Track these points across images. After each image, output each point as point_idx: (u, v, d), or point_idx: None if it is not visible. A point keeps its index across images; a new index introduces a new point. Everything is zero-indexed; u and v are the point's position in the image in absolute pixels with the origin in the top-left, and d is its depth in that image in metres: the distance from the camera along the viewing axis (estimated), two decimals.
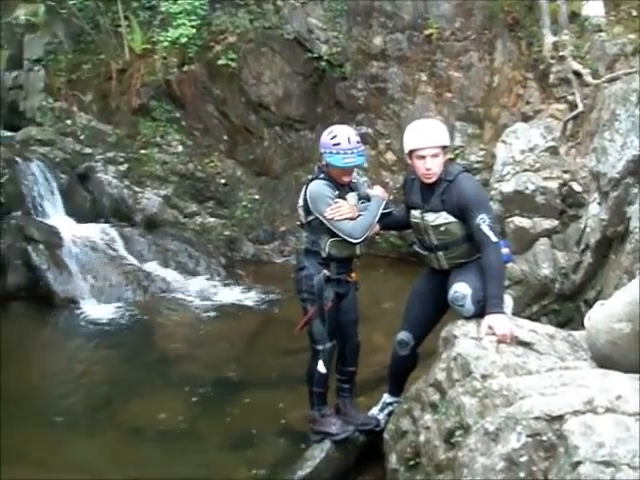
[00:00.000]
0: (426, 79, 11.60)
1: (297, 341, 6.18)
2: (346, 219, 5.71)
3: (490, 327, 5.07)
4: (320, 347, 5.95)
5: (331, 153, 5.72)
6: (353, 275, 6.07)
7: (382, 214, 5.92)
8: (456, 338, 5.17)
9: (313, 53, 11.94)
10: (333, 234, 5.77)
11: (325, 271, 5.86)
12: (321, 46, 11.94)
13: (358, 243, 5.77)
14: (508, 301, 5.46)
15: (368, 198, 5.99)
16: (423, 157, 5.49)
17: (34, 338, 9.36)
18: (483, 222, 5.32)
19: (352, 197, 5.88)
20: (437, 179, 5.51)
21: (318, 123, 12.00)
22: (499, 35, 11.12)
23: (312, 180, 5.93)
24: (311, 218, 5.85)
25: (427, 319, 5.92)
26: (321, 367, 5.96)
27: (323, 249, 5.83)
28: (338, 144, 5.71)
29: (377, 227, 6.01)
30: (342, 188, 5.85)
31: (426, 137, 5.51)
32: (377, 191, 6.08)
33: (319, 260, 5.88)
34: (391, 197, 6.12)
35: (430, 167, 5.49)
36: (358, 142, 5.79)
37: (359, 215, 5.80)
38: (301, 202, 5.95)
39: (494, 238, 5.32)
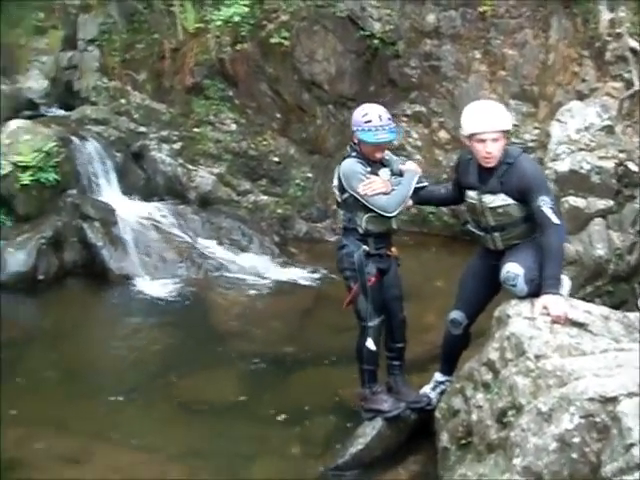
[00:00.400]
0: (480, 57, 11.47)
1: (349, 319, 6.21)
2: (379, 194, 5.78)
3: (545, 307, 5.06)
4: (368, 324, 6.02)
5: (363, 130, 5.80)
6: (393, 250, 6.14)
7: (416, 189, 5.98)
8: (509, 318, 5.16)
9: (366, 31, 11.86)
10: (368, 210, 5.84)
11: (364, 247, 5.93)
12: (374, 24, 11.86)
13: (392, 217, 5.85)
14: (565, 282, 5.43)
15: (401, 174, 6.04)
16: (483, 141, 5.45)
17: (90, 314, 9.54)
18: (544, 204, 5.29)
19: (384, 173, 5.95)
20: (499, 158, 5.49)
21: (371, 101, 11.80)
22: (554, 12, 10.95)
23: (345, 159, 6.00)
24: (346, 196, 5.94)
25: (480, 298, 5.92)
26: (370, 344, 6.02)
27: (360, 225, 5.92)
28: (370, 121, 5.79)
29: (410, 202, 6.07)
30: (374, 165, 5.92)
31: (488, 121, 5.45)
32: (410, 166, 6.16)
33: (357, 237, 5.96)
34: (444, 176, 6.12)
35: (490, 151, 5.45)
36: (389, 119, 5.88)
37: (393, 190, 5.86)
38: (335, 181, 6.04)
39: (556, 220, 5.29)
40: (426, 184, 6.17)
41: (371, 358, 6.10)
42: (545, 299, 5.10)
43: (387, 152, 6.08)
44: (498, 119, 5.47)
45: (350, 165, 5.91)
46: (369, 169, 5.87)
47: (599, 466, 3.87)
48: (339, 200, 6.07)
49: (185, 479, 6.05)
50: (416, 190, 6.00)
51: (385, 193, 5.81)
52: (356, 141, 5.92)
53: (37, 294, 9.88)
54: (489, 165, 5.51)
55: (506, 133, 5.55)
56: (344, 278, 6.12)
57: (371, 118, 5.81)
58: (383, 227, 5.95)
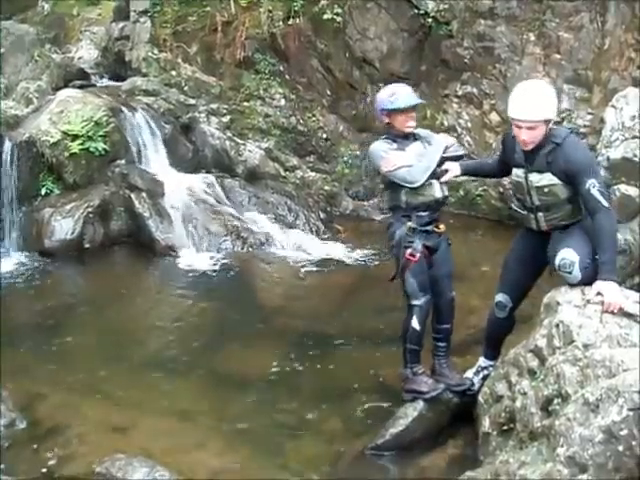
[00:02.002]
0: (534, 39, 11.32)
1: (394, 298, 6.20)
2: (400, 167, 5.92)
3: (599, 293, 4.98)
4: (414, 302, 6.03)
5: (391, 102, 6.03)
6: (441, 226, 6.16)
7: (455, 158, 6.13)
8: (559, 305, 5.11)
9: (419, 10, 11.76)
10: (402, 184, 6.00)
11: (409, 223, 6.00)
12: (428, 2, 11.73)
13: (416, 187, 5.93)
14: None
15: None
16: (519, 127, 5.41)
17: (135, 283, 9.62)
18: (593, 187, 5.20)
19: (414, 146, 6.08)
20: (542, 140, 5.39)
21: (422, 81, 11.86)
22: None
23: None
24: (381, 176, 6.24)
25: (524, 282, 5.88)
26: (415, 323, 6.02)
27: (401, 200, 6.03)
28: (394, 93, 6.07)
29: (457, 171, 6.13)
30: (405, 140, 6.07)
31: (525, 109, 5.36)
32: (439, 136, 6.31)
33: (402, 213, 6.06)
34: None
35: (525, 139, 5.41)
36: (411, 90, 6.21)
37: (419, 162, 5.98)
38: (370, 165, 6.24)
39: (606, 203, 5.21)
40: (461, 153, 6.32)
41: (415, 338, 6.08)
42: (600, 285, 5.04)
43: (423, 130, 6.28)
44: (536, 108, 5.33)
45: (374, 146, 6.18)
46: (395, 145, 6.05)
47: None
48: (381, 182, 6.28)
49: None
50: (456, 159, 6.15)
51: (409, 166, 5.93)
52: (386, 120, 6.13)
53: (83, 262, 10.01)
54: (526, 149, 5.46)
55: (547, 122, 5.40)
56: (393, 255, 6.21)
57: (395, 91, 6.10)
58: (422, 198, 6.00)
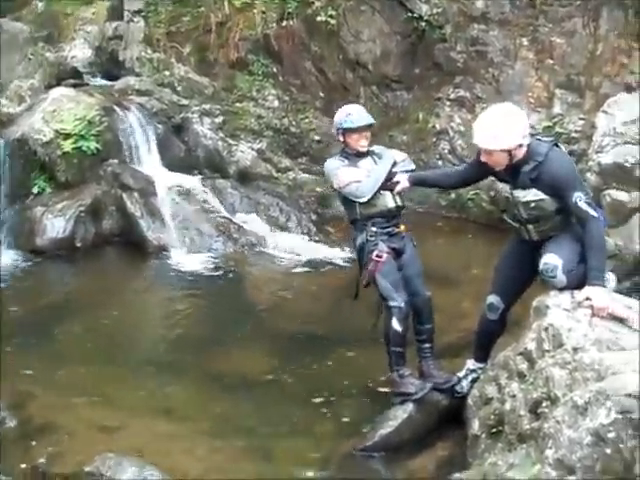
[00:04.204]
0: (527, 44, 11.36)
1: None
2: (351, 183, 6.19)
3: (588, 298, 5.02)
4: (391, 303, 6.12)
5: (346, 121, 6.31)
6: (402, 227, 6.36)
7: (409, 172, 6.35)
8: (548, 309, 5.13)
9: (413, 13, 11.78)
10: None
11: (367, 230, 6.22)
12: (422, 6, 11.77)
13: (367, 201, 6.16)
14: (611, 278, 5.39)
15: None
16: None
17: (126, 283, 9.64)
18: (580, 200, 5.25)
19: (365, 162, 6.38)
20: (523, 157, 5.41)
21: (415, 84, 11.91)
22: (605, 2, 10.81)
23: None
24: (337, 192, 6.49)
25: (516, 285, 5.89)
26: (395, 324, 6.10)
27: (357, 213, 6.29)
28: (350, 114, 6.35)
29: (406, 183, 6.29)
30: (357, 157, 6.35)
31: (480, 136, 5.45)
32: (390, 152, 6.58)
33: (361, 223, 6.29)
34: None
35: (487, 162, 5.53)
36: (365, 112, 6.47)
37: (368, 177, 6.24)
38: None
39: (594, 213, 5.26)
40: (412, 168, 6.50)
41: (397, 339, 6.13)
42: (589, 290, 5.07)
43: (379, 146, 6.60)
44: (490, 138, 5.36)
45: (328, 164, 6.52)
46: (346, 162, 6.33)
47: (633, 463, 3.83)
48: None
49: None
50: (409, 172, 6.37)
51: (358, 181, 6.19)
52: (341, 138, 6.41)
53: (74, 261, 10.01)
54: (496, 169, 5.56)
55: (506, 150, 5.39)
56: (359, 265, 6.41)
57: (351, 111, 6.39)
58: (376, 209, 6.25)
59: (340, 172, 6.28)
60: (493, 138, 5.36)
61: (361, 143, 6.35)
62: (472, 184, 6.57)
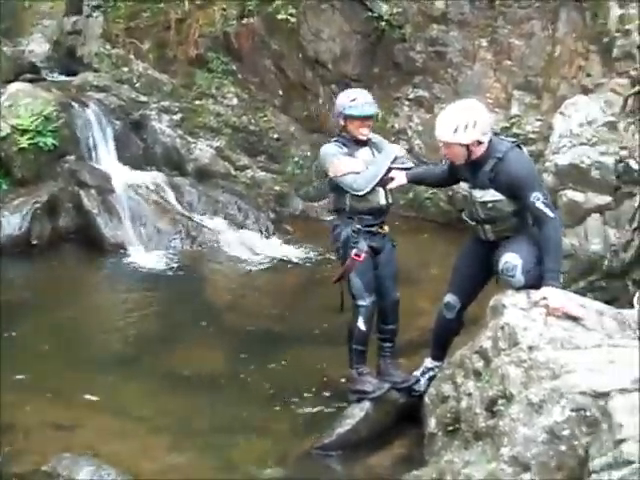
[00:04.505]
0: (486, 45, 11.42)
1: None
2: (349, 173, 6.01)
3: (544, 298, 5.07)
4: (360, 302, 6.11)
5: (350, 107, 6.09)
6: (385, 228, 6.27)
7: (405, 168, 6.21)
8: (505, 308, 5.18)
9: (373, 12, 11.79)
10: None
11: (354, 224, 6.10)
12: (382, 6, 11.78)
13: (362, 195, 6.03)
14: None
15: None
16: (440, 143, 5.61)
17: (83, 281, 9.57)
18: (537, 200, 5.31)
19: (364, 152, 6.19)
20: (482, 155, 5.47)
21: (374, 83, 11.90)
22: (563, 4, 10.89)
23: None
24: (328, 179, 6.26)
25: (473, 284, 5.96)
26: (361, 324, 6.11)
27: (346, 204, 6.13)
28: (355, 99, 6.14)
29: (403, 180, 6.20)
30: (356, 145, 6.16)
31: (440, 128, 5.54)
32: (391, 146, 6.42)
33: (347, 215, 6.16)
34: (444, 162, 6.16)
35: (445, 154, 5.66)
36: (371, 99, 6.26)
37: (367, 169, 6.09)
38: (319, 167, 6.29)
39: (551, 214, 5.33)
40: (410, 165, 6.41)
41: (361, 338, 6.15)
42: (545, 290, 5.13)
43: (376, 135, 6.37)
44: (449, 130, 5.45)
45: (325, 148, 6.25)
46: (346, 150, 6.12)
47: (587, 460, 3.89)
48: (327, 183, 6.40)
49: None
50: (405, 169, 6.21)
51: (356, 172, 6.02)
52: (342, 123, 6.19)
53: (31, 258, 9.89)
54: (456, 163, 5.63)
55: (464, 145, 5.46)
56: (338, 257, 6.33)
57: (356, 96, 6.17)
58: (367, 204, 6.10)
59: (340, 160, 6.07)
60: (451, 131, 5.44)
61: (362, 131, 6.15)
62: (454, 184, 6.48)
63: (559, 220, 5.46)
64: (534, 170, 5.75)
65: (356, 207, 6.09)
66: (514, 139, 5.90)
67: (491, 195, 5.50)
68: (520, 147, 5.64)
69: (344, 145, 6.15)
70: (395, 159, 6.16)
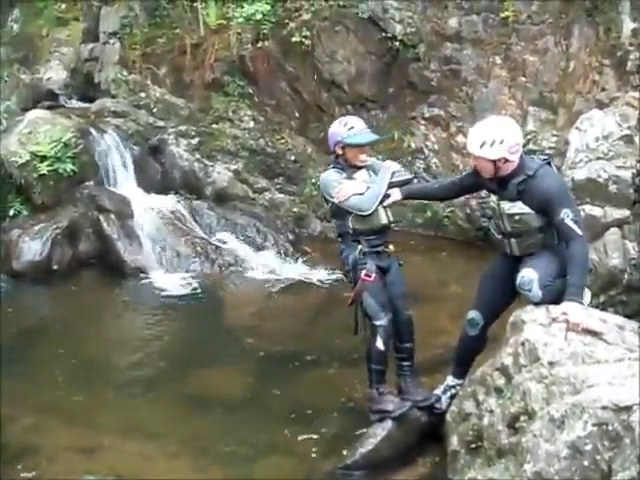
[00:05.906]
0: (500, 62, 11.47)
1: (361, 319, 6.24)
2: (352, 195, 6.06)
3: (564, 313, 5.06)
4: (377, 322, 6.11)
5: (349, 136, 6.14)
6: (391, 247, 6.30)
7: (403, 183, 6.24)
8: (524, 324, 5.17)
9: (387, 33, 11.86)
10: (351, 212, 6.12)
11: (360, 246, 6.14)
12: (395, 26, 11.85)
13: (369, 214, 6.07)
14: (586, 293, 5.44)
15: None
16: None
17: (104, 306, 9.59)
18: (567, 217, 5.31)
19: (361, 174, 6.25)
20: (514, 170, 5.50)
21: (390, 103, 11.98)
22: (576, 20, 10.94)
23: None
24: (330, 204, 6.27)
25: (497, 302, 5.93)
26: (379, 344, 6.10)
27: (349, 227, 6.16)
28: (352, 127, 6.18)
29: (397, 196, 6.25)
30: (355, 169, 6.23)
31: (471, 142, 5.58)
32: (386, 163, 6.44)
33: (351, 239, 6.20)
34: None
35: (474, 165, 5.71)
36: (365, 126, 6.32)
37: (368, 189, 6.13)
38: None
39: (579, 232, 5.32)
40: (410, 177, 6.44)
41: (379, 358, 6.15)
42: (566, 305, 5.11)
43: (372, 158, 6.42)
44: (476, 144, 5.50)
45: (325, 176, 6.32)
46: (344, 175, 6.19)
47: (610, 474, 3.88)
48: (328, 210, 6.48)
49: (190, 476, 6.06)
50: (405, 183, 6.27)
51: (360, 194, 6.07)
52: (339, 152, 6.21)
53: (51, 284, 9.94)
54: (485, 177, 5.63)
55: (493, 161, 5.49)
56: (349, 281, 6.35)
57: (353, 125, 6.22)
58: (371, 224, 6.15)
59: (343, 185, 6.10)
60: (478, 145, 5.48)
61: (361, 158, 6.22)
62: (467, 194, 6.63)
63: (585, 239, 5.45)
64: (565, 186, 5.78)
65: (359, 229, 6.14)
66: (545, 156, 5.90)
67: (519, 208, 5.51)
68: (550, 164, 5.65)
69: (342, 170, 6.22)
70: (393, 174, 6.23)
